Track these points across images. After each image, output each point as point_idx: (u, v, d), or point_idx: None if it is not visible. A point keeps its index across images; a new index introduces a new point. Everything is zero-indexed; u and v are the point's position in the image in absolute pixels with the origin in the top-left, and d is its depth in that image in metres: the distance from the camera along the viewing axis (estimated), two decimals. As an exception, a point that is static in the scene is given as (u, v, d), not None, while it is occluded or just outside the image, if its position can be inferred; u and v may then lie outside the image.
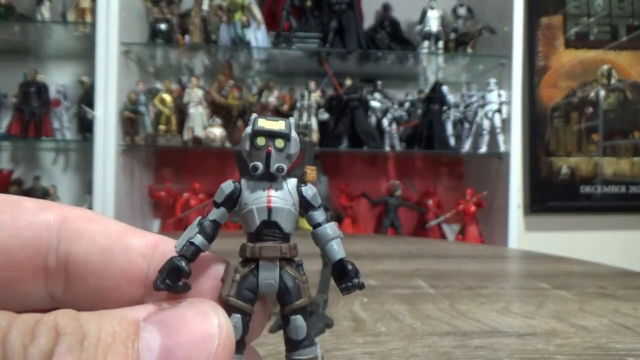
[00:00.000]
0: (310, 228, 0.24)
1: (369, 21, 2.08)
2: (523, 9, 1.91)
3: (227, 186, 0.23)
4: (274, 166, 0.22)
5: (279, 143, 0.23)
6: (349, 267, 0.22)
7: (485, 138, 1.90)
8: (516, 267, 0.91)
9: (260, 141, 0.22)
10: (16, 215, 0.20)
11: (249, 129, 0.23)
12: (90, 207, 1.69)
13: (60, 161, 2.05)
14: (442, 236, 2.09)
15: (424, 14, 1.99)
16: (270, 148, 0.22)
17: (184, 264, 0.21)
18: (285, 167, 0.23)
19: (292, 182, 0.23)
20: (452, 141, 1.96)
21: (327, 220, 0.24)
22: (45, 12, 1.82)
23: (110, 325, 0.17)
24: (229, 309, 0.21)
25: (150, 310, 0.19)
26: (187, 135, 1.85)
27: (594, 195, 2.19)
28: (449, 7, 2.07)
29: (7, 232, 0.20)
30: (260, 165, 0.22)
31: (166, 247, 0.22)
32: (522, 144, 2.14)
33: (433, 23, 1.96)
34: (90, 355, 0.16)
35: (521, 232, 2.16)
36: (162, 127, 1.86)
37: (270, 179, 0.23)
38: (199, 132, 1.84)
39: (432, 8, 1.98)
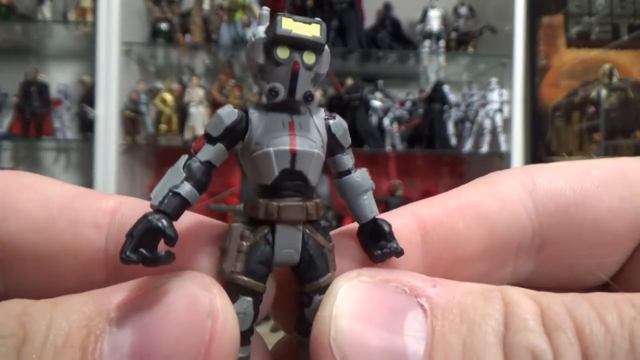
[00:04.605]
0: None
1: (370, 20, 2.08)
2: (524, 8, 1.91)
3: (228, 114, 0.16)
4: (300, 91, 0.15)
5: (309, 58, 0.16)
6: (385, 229, 0.17)
7: (487, 137, 1.90)
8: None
9: (283, 53, 0.16)
10: None
11: (260, 31, 0.15)
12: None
13: (61, 160, 2.05)
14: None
15: (425, 14, 1.99)
16: (298, 63, 0.15)
17: (165, 223, 0.14)
18: (314, 93, 0.16)
19: (320, 113, 0.17)
20: (453, 141, 1.96)
21: (355, 169, 0.18)
22: (46, 11, 1.82)
23: (64, 321, 0.12)
24: (235, 289, 0.15)
25: (127, 291, 0.14)
26: (188, 135, 1.85)
27: (596, 194, 2.18)
28: (450, 7, 2.07)
29: None
30: (281, 88, 0.15)
31: (128, 211, 0.16)
32: (523, 144, 2.14)
33: (434, 22, 1.96)
34: None
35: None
36: (163, 127, 1.86)
37: (292, 109, 0.16)
38: (200, 132, 1.84)
39: (433, 7, 1.98)
